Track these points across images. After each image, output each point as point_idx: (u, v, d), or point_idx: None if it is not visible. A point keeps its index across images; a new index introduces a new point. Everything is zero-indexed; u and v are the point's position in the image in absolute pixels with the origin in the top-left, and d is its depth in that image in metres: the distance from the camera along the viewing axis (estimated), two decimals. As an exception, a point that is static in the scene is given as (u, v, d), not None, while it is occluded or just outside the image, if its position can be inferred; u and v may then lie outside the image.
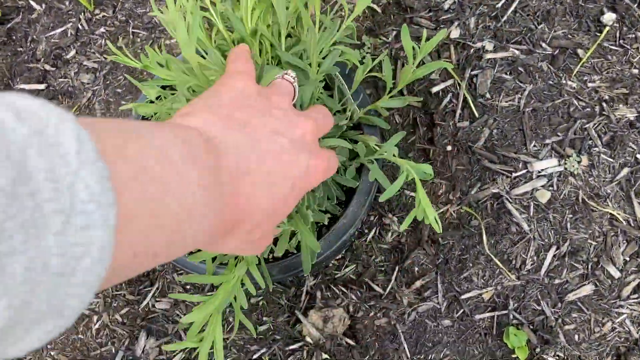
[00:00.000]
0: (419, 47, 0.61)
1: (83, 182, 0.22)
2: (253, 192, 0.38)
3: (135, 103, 0.63)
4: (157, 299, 0.91)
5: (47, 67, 1.05)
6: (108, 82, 1.03)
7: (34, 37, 1.08)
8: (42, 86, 1.04)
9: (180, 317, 0.90)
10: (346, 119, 0.64)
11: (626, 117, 0.88)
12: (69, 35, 1.07)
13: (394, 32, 0.96)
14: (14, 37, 1.08)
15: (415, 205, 0.59)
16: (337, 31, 0.57)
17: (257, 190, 0.38)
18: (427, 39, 0.91)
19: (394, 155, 0.63)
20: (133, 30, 1.05)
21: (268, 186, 0.39)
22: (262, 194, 0.39)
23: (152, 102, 0.72)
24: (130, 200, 0.26)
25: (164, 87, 0.71)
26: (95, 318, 0.91)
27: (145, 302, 0.91)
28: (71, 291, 0.23)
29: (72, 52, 1.06)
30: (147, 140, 0.30)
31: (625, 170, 0.86)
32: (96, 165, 0.23)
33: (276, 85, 0.48)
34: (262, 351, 0.87)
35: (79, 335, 0.91)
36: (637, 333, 0.82)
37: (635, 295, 0.83)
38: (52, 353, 0.91)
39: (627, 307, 0.83)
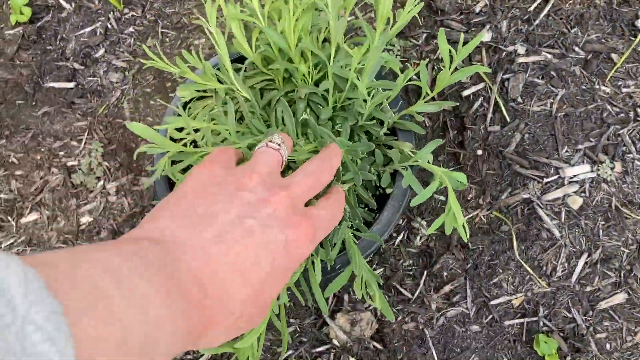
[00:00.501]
0: (456, 51, 0.60)
1: (33, 324, 0.22)
2: (224, 286, 0.37)
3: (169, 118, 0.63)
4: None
5: (76, 65, 1.06)
6: (137, 81, 1.03)
7: (64, 35, 1.08)
8: (71, 84, 1.05)
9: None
10: (384, 131, 0.63)
11: (661, 124, 0.87)
12: (98, 34, 1.07)
13: (424, 35, 0.96)
14: (43, 36, 1.09)
15: (445, 212, 0.59)
16: (385, 44, 0.57)
17: (228, 283, 0.37)
18: (464, 43, 0.90)
19: (428, 163, 0.62)
20: (162, 30, 1.05)
21: (241, 275, 0.37)
22: (235, 285, 0.37)
23: (185, 104, 0.72)
24: (90, 327, 0.26)
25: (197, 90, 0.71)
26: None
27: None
28: None
29: (101, 51, 1.06)
30: (100, 264, 0.30)
31: (660, 178, 0.85)
32: (45, 302, 0.23)
33: (256, 156, 0.46)
34: (288, 353, 0.87)
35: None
36: (670, 343, 0.81)
37: (669, 305, 0.82)
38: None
39: (660, 316, 0.82)
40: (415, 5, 0.54)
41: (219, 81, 0.62)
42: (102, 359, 0.26)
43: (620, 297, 0.83)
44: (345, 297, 0.88)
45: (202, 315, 0.35)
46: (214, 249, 0.37)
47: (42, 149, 1.01)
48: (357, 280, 0.55)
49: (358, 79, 0.56)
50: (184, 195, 0.40)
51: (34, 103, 1.04)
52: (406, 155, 0.65)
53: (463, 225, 0.55)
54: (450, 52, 0.61)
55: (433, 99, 0.93)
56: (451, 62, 0.55)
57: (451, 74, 0.58)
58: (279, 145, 0.47)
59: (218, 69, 0.69)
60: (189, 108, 0.70)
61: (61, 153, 1.00)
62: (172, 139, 0.76)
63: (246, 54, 0.57)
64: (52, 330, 0.23)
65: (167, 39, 1.05)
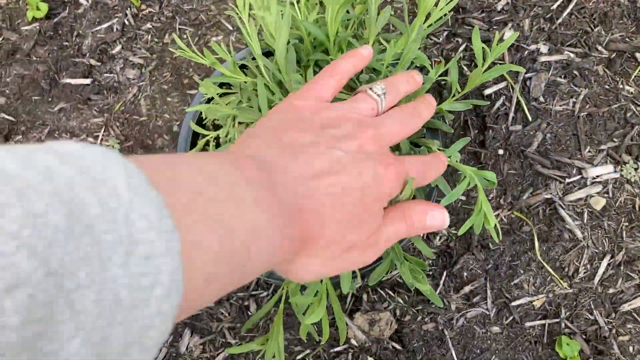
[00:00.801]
0: (489, 50, 0.60)
1: (138, 212, 0.22)
2: (318, 207, 0.36)
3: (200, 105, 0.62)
4: (202, 297, 0.91)
5: (93, 62, 1.05)
6: (154, 78, 1.02)
7: (80, 31, 1.08)
8: (87, 81, 1.04)
9: (225, 316, 0.89)
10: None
11: (686, 124, 0.86)
12: (114, 30, 1.07)
13: (445, 33, 0.95)
14: (60, 32, 1.08)
15: (475, 212, 0.58)
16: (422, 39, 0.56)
17: (321, 205, 0.36)
18: (483, 40, 0.89)
19: (456, 162, 0.62)
20: (180, 27, 1.05)
21: (333, 199, 0.37)
22: (329, 208, 0.37)
23: (209, 100, 0.71)
24: (191, 224, 0.25)
25: (221, 85, 0.71)
26: (139, 314, 0.91)
27: (189, 300, 0.91)
28: (148, 322, 0.22)
29: (118, 47, 1.06)
30: (197, 167, 0.29)
31: (684, 179, 0.84)
32: (149, 195, 0.23)
33: (350, 102, 0.45)
34: (306, 352, 0.87)
35: (123, 331, 0.91)
36: (694, 346, 0.80)
37: (693, 307, 0.81)
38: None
39: (684, 319, 0.81)
40: (450, 2, 0.53)
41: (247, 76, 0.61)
42: (201, 261, 0.26)
43: (643, 300, 0.82)
44: (364, 296, 0.87)
45: (300, 229, 0.35)
46: (306, 172, 0.36)
47: (59, 145, 1.00)
48: (403, 266, 0.54)
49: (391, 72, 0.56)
50: (276, 125, 0.40)
51: (50, 99, 1.03)
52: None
53: (496, 226, 0.54)
54: (483, 49, 0.61)
55: (465, 97, 0.92)
56: (484, 60, 0.54)
57: (483, 72, 0.57)
58: (378, 95, 0.45)
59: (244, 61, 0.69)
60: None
61: (78, 149, 1.00)
62: (194, 134, 0.76)
63: (275, 47, 0.56)
64: (157, 220, 0.22)
65: (185, 36, 1.04)
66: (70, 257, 0.19)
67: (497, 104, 0.89)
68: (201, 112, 0.72)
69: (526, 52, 0.91)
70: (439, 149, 0.64)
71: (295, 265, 0.38)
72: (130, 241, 0.21)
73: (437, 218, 0.45)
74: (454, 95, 0.65)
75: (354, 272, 0.57)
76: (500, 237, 0.57)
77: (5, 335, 0.17)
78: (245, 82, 0.59)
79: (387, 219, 0.42)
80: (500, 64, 0.89)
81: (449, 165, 0.66)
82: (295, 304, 0.62)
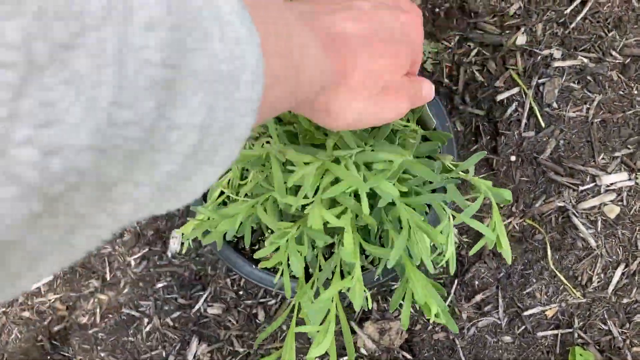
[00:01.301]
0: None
1: (228, 5, 0.22)
2: (347, 39, 0.39)
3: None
4: (209, 304, 0.90)
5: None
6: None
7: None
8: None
9: (233, 324, 0.88)
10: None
11: (702, 131, 0.84)
12: None
13: (457, 37, 0.93)
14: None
15: (487, 233, 0.57)
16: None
17: (353, 40, 0.39)
18: (495, 45, 0.88)
19: (472, 177, 0.60)
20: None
21: (364, 39, 0.39)
22: (355, 40, 0.39)
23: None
24: (261, 33, 0.26)
25: None
26: (145, 321, 0.90)
27: (197, 307, 0.90)
28: (238, 107, 0.23)
29: None
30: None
31: (700, 187, 0.82)
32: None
33: None
34: (315, 361, 0.86)
35: (129, 338, 0.90)
36: None
37: None
38: (102, 354, 0.90)
39: (699, 330, 0.79)
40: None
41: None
42: (273, 60, 0.27)
43: (658, 310, 0.81)
44: (374, 305, 0.86)
45: (336, 60, 0.37)
46: (336, 18, 0.39)
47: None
48: (417, 293, 0.53)
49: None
50: None
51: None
52: (446, 168, 0.63)
53: (508, 249, 0.53)
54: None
55: (464, 101, 0.91)
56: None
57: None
58: None
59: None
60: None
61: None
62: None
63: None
64: (238, 9, 0.23)
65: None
66: (185, 17, 0.19)
67: (510, 110, 0.88)
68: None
69: (539, 58, 0.89)
70: (451, 163, 0.63)
71: (338, 101, 0.39)
72: (221, 21, 0.21)
73: (429, 91, 0.49)
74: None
75: (365, 289, 0.56)
76: (512, 259, 0.56)
77: (148, 71, 0.17)
78: None
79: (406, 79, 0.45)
80: (513, 69, 0.88)
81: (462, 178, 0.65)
82: (306, 315, 0.61)
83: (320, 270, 0.65)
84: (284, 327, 0.87)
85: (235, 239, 0.74)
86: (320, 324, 0.58)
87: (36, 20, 0.15)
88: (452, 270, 0.57)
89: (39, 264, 0.18)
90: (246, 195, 0.66)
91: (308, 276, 0.66)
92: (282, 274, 0.63)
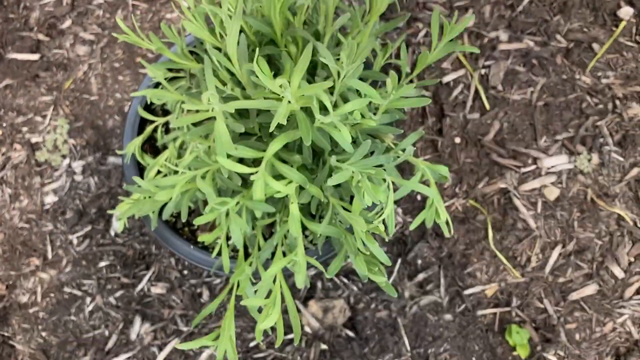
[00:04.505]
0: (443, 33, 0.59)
1: None
2: None
3: (145, 90, 0.59)
4: (153, 283, 0.89)
5: (41, 36, 1.01)
6: (105, 55, 0.98)
7: (27, 3, 1.02)
8: (35, 56, 0.99)
9: (177, 303, 0.88)
10: (375, 118, 0.61)
11: (639, 117, 0.86)
12: (64, 4, 1.02)
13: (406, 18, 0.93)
14: (5, 3, 1.03)
15: (426, 206, 0.57)
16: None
17: None
18: (443, 26, 0.88)
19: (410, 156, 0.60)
20: (133, 3, 1.00)
21: None
22: None
23: (157, 85, 0.69)
24: None
25: (170, 69, 0.68)
26: (88, 300, 0.89)
27: (140, 286, 0.89)
28: None
29: (68, 22, 1.01)
30: None
31: (635, 171, 0.85)
32: None
33: None
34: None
35: (71, 317, 0.89)
36: (638, 334, 0.82)
37: (638, 296, 0.83)
38: (42, 334, 0.89)
39: (629, 308, 0.82)
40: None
41: (197, 61, 0.59)
42: None
43: (591, 289, 0.83)
44: (319, 284, 0.87)
45: None
46: None
47: (4, 124, 0.96)
48: (357, 258, 0.53)
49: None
50: None
51: (-5, 75, 0.99)
52: (387, 147, 0.63)
53: (447, 221, 0.53)
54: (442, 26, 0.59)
55: (411, 81, 0.91)
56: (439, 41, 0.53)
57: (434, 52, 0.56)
58: None
59: (194, 46, 0.66)
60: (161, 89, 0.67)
61: (24, 129, 0.96)
62: (142, 120, 0.73)
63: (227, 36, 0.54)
64: None
65: (138, 12, 1.00)
66: None
67: (455, 92, 0.89)
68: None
69: (486, 40, 0.90)
70: (393, 143, 0.63)
71: None
72: None
73: None
74: (406, 77, 0.63)
75: (308, 265, 0.56)
76: (452, 232, 0.57)
77: None
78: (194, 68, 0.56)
79: None
80: (460, 51, 0.88)
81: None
82: (244, 291, 0.61)
83: (259, 250, 0.64)
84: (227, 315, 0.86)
85: (174, 219, 0.73)
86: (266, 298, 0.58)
87: None
88: (391, 230, 0.57)
89: None
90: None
91: (247, 256, 0.65)
92: (219, 253, 0.63)
